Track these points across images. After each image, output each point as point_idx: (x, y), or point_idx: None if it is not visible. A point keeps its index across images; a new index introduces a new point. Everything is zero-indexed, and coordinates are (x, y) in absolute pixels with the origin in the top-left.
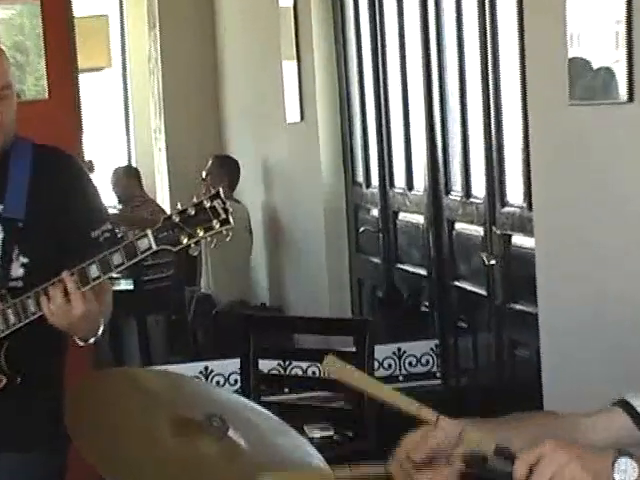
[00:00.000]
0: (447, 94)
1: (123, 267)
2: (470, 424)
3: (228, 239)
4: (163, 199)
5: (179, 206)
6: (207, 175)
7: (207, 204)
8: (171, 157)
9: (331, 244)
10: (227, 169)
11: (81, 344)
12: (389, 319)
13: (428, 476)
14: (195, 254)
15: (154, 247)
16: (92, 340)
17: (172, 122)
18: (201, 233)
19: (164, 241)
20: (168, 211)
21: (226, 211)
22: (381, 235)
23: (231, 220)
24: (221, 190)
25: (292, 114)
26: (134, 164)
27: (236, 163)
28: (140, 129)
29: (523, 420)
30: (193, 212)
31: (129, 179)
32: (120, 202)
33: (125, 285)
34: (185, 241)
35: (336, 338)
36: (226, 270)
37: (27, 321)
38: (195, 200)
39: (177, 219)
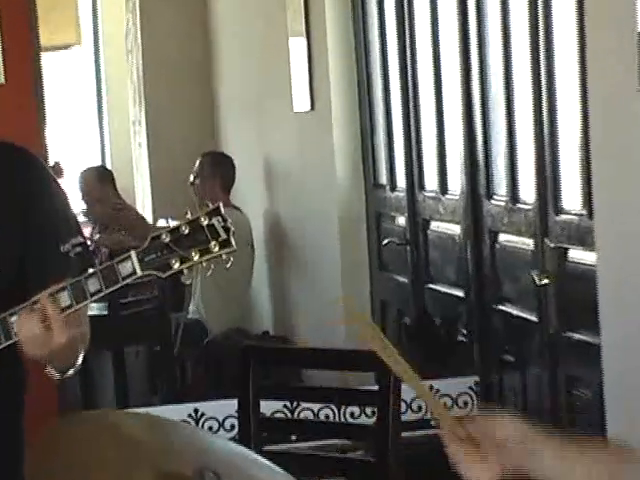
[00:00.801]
0: (489, 78)
1: (100, 295)
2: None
3: (229, 265)
4: (144, 206)
5: (170, 223)
6: (196, 178)
7: (204, 221)
8: (154, 155)
9: (348, 260)
10: (220, 169)
11: (57, 377)
12: (419, 351)
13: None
14: (188, 282)
15: (139, 272)
16: (71, 372)
17: (155, 112)
18: (196, 257)
19: (151, 265)
20: (150, 220)
21: (227, 231)
22: (409, 248)
23: (233, 242)
24: (222, 205)
25: (300, 102)
26: (108, 164)
27: (231, 162)
28: (116, 121)
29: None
30: (187, 231)
31: (102, 183)
32: (90, 212)
33: (98, 309)
34: (177, 266)
35: (354, 374)
36: (220, 291)
37: None
38: (189, 216)
39: (167, 239)
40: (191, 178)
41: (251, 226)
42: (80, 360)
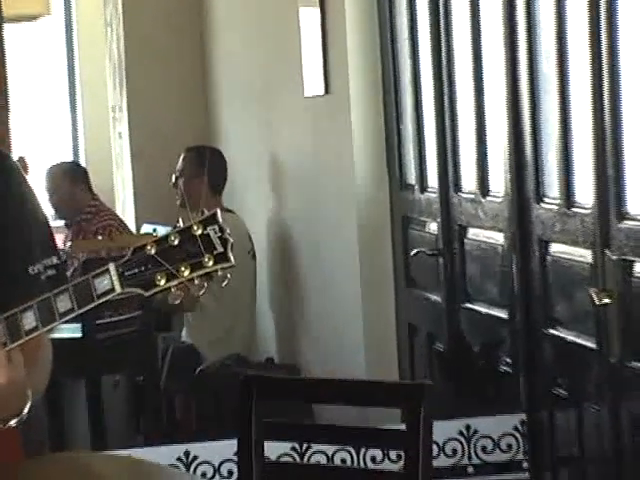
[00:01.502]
0: (538, 57)
1: (72, 315)
2: None
3: (225, 284)
4: (125, 209)
5: (156, 231)
6: (178, 178)
7: (197, 231)
8: (137, 148)
9: (368, 274)
10: (209, 167)
11: None
12: (454, 383)
13: None
14: (176, 302)
15: (118, 289)
16: (14, 422)
17: (138, 97)
18: (186, 272)
19: (133, 281)
20: (132, 227)
21: (224, 242)
22: (441, 261)
23: (231, 256)
24: (219, 213)
25: (313, 84)
26: (82, 159)
27: (220, 157)
28: (92, 106)
29: None
30: (176, 241)
31: (73, 182)
32: (59, 217)
33: (69, 332)
34: (163, 283)
35: (376, 410)
36: (217, 311)
37: None
38: (181, 224)
39: (153, 250)
40: (173, 178)
41: (249, 231)
42: (27, 409)
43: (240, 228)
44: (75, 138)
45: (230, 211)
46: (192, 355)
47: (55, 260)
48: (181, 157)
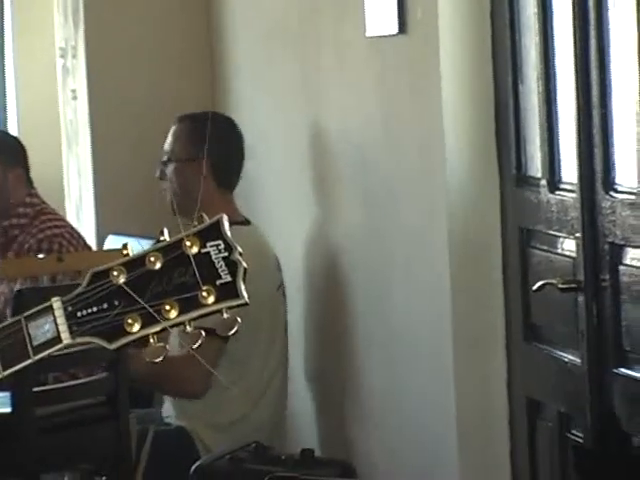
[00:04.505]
0: None
1: None
2: None
3: (232, 332)
4: (78, 211)
5: (129, 246)
6: (165, 164)
7: (191, 248)
8: (99, 113)
9: (465, 322)
10: (213, 144)
11: None
12: None
13: None
14: (158, 360)
15: (66, 339)
16: None
17: (103, 31)
18: (173, 313)
19: (90, 327)
20: (90, 240)
21: (233, 267)
22: (582, 299)
23: (243, 290)
24: (225, 220)
25: (380, 18)
26: (13, 130)
27: (230, 128)
28: (29, 47)
29: None
30: (158, 264)
31: (2, 166)
32: None
33: None
34: (136, 329)
35: None
36: (222, 377)
37: None
38: (166, 236)
39: (122, 279)
40: (157, 167)
41: (277, 255)
42: None
43: (262, 249)
44: (2, 98)
45: (247, 222)
46: (184, 443)
47: None
48: (170, 131)
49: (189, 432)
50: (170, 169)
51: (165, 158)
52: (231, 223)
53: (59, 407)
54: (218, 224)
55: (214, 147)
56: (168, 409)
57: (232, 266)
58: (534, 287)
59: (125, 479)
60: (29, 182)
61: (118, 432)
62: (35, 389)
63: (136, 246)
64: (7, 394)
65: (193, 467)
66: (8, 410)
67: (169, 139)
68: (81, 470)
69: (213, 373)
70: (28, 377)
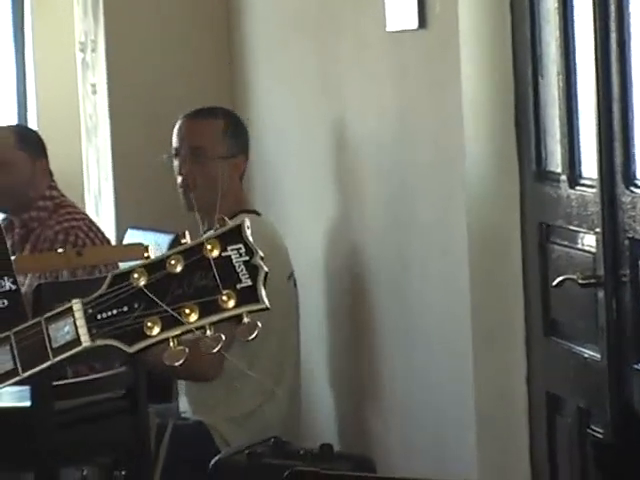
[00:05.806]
0: None
1: (13, 381)
2: None
3: (252, 337)
4: (97, 205)
5: (149, 243)
6: (174, 157)
7: (212, 251)
8: (119, 108)
9: (484, 317)
10: (226, 137)
11: None
12: None
13: None
14: (177, 364)
15: (85, 343)
16: None
17: (123, 27)
18: (193, 317)
19: (109, 330)
20: (110, 234)
21: (254, 271)
22: (603, 294)
23: (264, 295)
24: (247, 224)
25: (400, 12)
26: (33, 124)
27: (236, 123)
28: (49, 42)
29: None
30: (179, 268)
31: (27, 156)
32: None
33: (14, 399)
34: (156, 332)
35: None
36: (239, 373)
37: None
38: (187, 239)
39: (142, 281)
40: (175, 164)
41: (285, 245)
42: None
43: (273, 238)
44: (23, 90)
45: (254, 212)
46: (202, 437)
47: (11, 283)
48: (177, 125)
49: (207, 426)
50: (199, 164)
51: (175, 151)
52: (244, 212)
53: (78, 401)
54: (239, 228)
55: (247, 144)
56: (184, 404)
57: (253, 270)
58: (554, 282)
59: (144, 473)
60: (50, 175)
61: (137, 426)
62: (54, 383)
63: (157, 240)
64: (26, 388)
65: (212, 462)
66: (27, 404)
67: (176, 132)
68: (100, 464)
69: (225, 357)
70: (47, 371)
